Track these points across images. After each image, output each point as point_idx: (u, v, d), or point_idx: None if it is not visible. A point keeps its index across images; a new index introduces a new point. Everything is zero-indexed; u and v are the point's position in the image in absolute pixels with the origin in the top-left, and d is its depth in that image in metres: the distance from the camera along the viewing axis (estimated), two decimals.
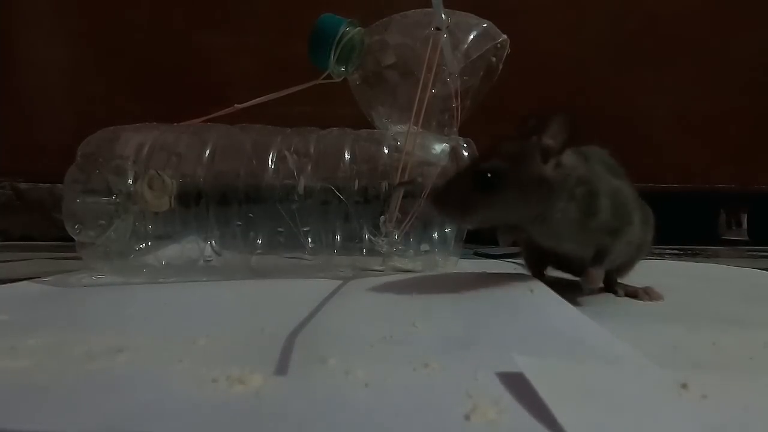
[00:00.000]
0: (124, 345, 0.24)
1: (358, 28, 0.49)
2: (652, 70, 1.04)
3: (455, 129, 0.48)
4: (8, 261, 0.68)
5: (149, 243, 0.44)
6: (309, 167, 0.44)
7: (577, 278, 0.45)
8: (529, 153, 0.33)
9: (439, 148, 0.45)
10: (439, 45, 0.43)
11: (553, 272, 0.45)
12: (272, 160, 0.44)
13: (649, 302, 0.40)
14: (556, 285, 0.37)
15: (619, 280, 0.43)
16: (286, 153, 0.44)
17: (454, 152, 0.45)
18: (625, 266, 0.42)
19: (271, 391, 0.19)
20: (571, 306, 0.31)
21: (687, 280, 0.46)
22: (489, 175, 0.32)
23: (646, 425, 0.17)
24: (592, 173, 0.35)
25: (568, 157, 0.34)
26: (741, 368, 0.25)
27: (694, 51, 1.04)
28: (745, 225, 1.45)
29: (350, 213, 0.43)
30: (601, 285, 0.39)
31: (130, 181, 0.42)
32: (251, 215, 0.43)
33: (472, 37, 0.47)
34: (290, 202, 0.43)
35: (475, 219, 0.35)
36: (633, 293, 0.42)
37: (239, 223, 0.43)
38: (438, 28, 0.44)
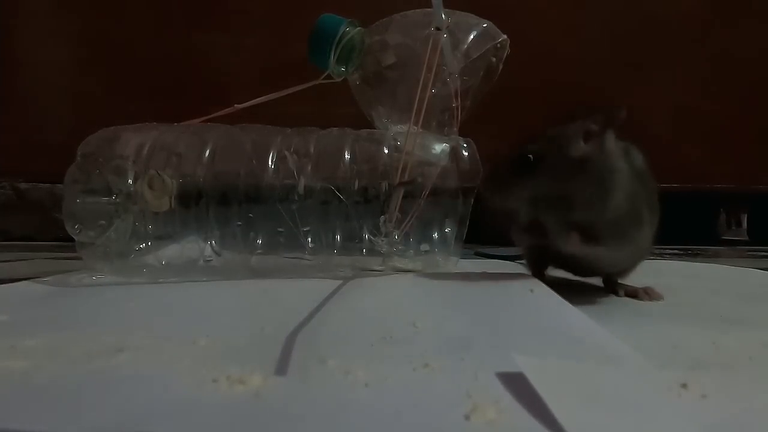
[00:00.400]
0: (124, 345, 0.24)
1: (358, 28, 0.49)
2: (651, 69, 1.04)
3: (455, 129, 0.48)
4: (8, 261, 0.68)
5: (149, 243, 0.44)
6: (309, 167, 0.44)
7: (576, 278, 0.45)
8: (572, 135, 0.35)
9: (439, 148, 0.45)
10: (439, 45, 0.43)
11: (553, 272, 0.45)
12: (272, 160, 0.44)
13: (649, 302, 0.40)
14: (556, 285, 0.37)
15: (619, 281, 0.43)
16: (286, 153, 0.44)
17: (454, 152, 0.45)
18: (627, 269, 0.43)
19: (271, 391, 0.19)
20: (571, 306, 0.31)
21: (687, 280, 0.46)
22: (529, 156, 0.34)
23: (646, 425, 0.17)
24: (621, 167, 0.35)
25: (610, 142, 0.35)
26: (741, 368, 0.25)
27: (694, 51, 1.04)
28: (745, 225, 1.45)
29: (350, 213, 0.43)
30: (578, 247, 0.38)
31: (130, 181, 0.42)
32: (251, 215, 0.43)
33: (472, 37, 0.47)
34: (290, 202, 0.43)
35: (511, 200, 0.36)
36: (633, 293, 0.42)
37: (239, 223, 0.43)
38: (438, 28, 0.44)
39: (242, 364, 0.21)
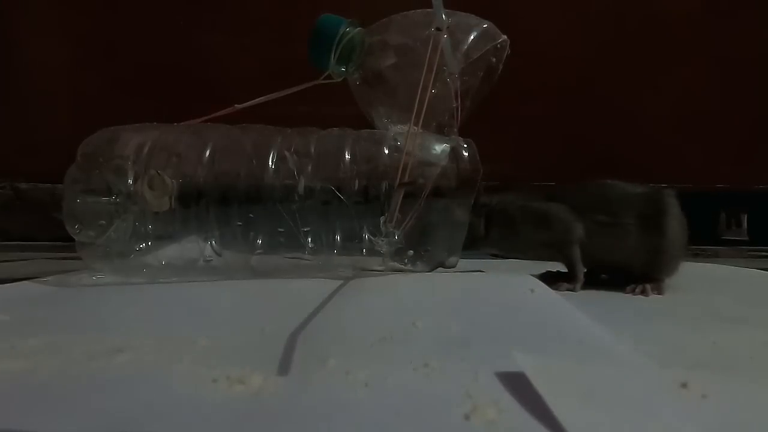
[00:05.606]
0: (124, 345, 0.24)
1: (358, 28, 0.49)
2: (652, 70, 1.04)
3: (455, 129, 0.48)
4: (8, 261, 0.68)
5: (149, 243, 0.44)
6: (309, 167, 0.44)
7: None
8: None
9: (440, 148, 0.45)
10: (440, 45, 0.43)
11: (553, 270, 0.45)
12: (272, 161, 0.44)
13: (649, 302, 0.40)
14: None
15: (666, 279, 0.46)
16: (287, 153, 0.44)
17: (455, 153, 0.45)
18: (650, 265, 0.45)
19: (271, 391, 0.19)
20: (571, 306, 0.31)
21: (687, 280, 0.46)
22: None
23: (646, 425, 0.17)
24: None
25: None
26: (741, 368, 0.25)
27: (694, 51, 1.04)
28: (745, 225, 1.45)
29: (350, 213, 0.43)
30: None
31: (130, 181, 0.42)
32: (251, 215, 0.43)
33: (472, 37, 0.47)
34: (290, 203, 0.43)
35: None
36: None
37: (239, 223, 0.43)
38: (438, 29, 0.44)
39: (242, 364, 0.21)
